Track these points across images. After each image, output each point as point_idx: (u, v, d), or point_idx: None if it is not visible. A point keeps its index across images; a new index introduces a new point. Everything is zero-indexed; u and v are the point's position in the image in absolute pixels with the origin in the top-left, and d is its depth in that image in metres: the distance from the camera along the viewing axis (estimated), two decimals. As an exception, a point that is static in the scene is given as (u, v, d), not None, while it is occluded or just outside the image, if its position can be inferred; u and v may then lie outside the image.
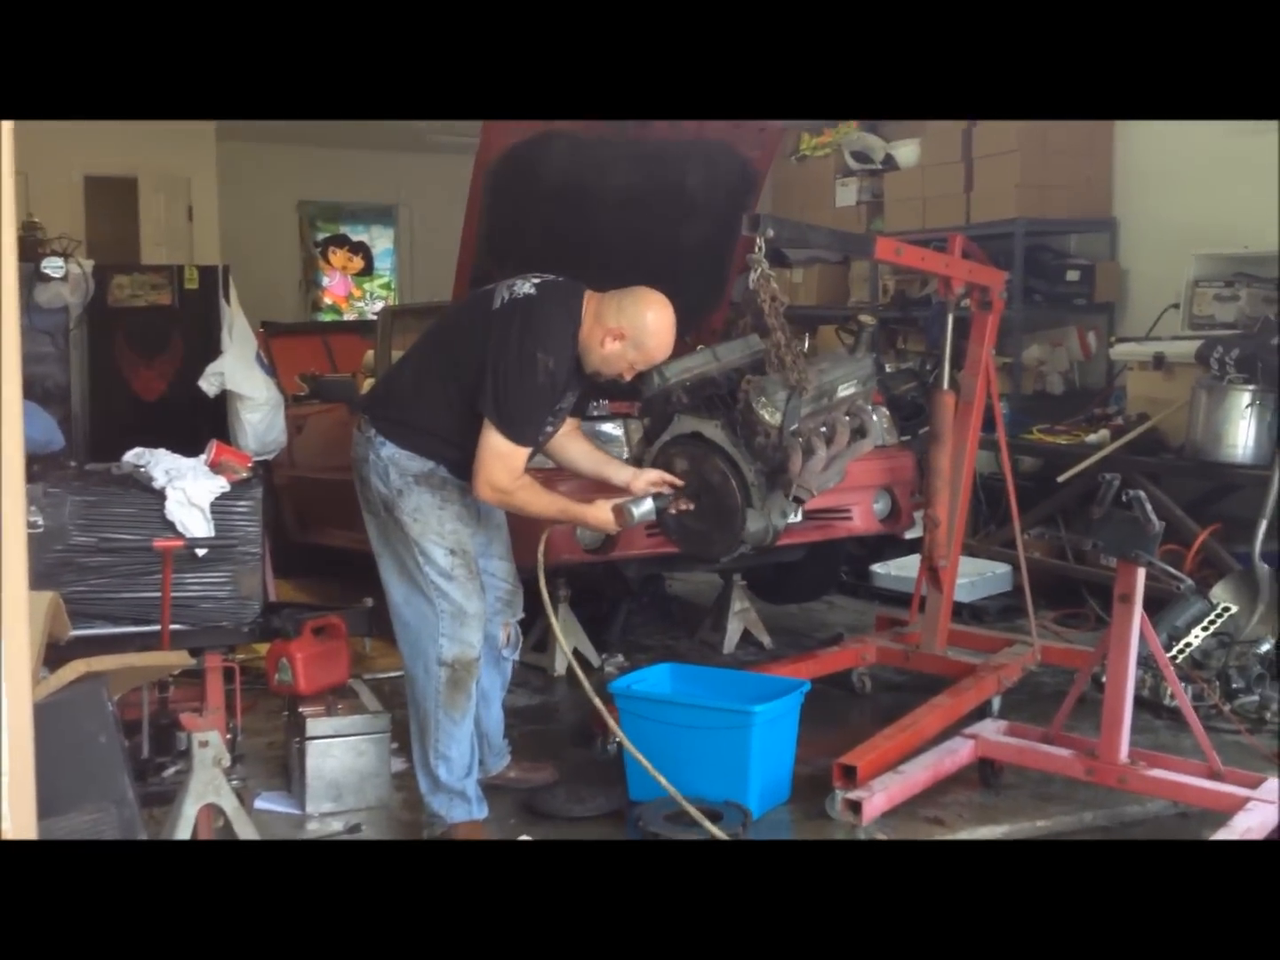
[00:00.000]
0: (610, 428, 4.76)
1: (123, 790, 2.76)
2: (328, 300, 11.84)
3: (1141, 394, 5.98)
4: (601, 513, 3.42)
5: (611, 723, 3.47)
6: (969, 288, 4.46)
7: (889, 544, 6.14)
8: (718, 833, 3.27)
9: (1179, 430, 5.62)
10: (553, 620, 3.54)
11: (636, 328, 3.30)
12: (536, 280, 3.38)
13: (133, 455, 3.70)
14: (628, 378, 3.44)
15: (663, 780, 3.32)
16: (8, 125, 2.16)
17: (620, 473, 3.55)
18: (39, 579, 2.49)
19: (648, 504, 3.45)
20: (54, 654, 2.99)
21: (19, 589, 2.31)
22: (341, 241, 11.79)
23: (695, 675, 4.05)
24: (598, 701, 3.42)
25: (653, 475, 3.50)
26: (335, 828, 3.57)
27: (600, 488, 3.62)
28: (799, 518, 4.79)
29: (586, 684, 3.41)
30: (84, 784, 2.72)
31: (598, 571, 5.09)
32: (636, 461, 3.75)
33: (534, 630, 4.95)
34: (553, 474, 3.92)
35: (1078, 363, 7.11)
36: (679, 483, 3.49)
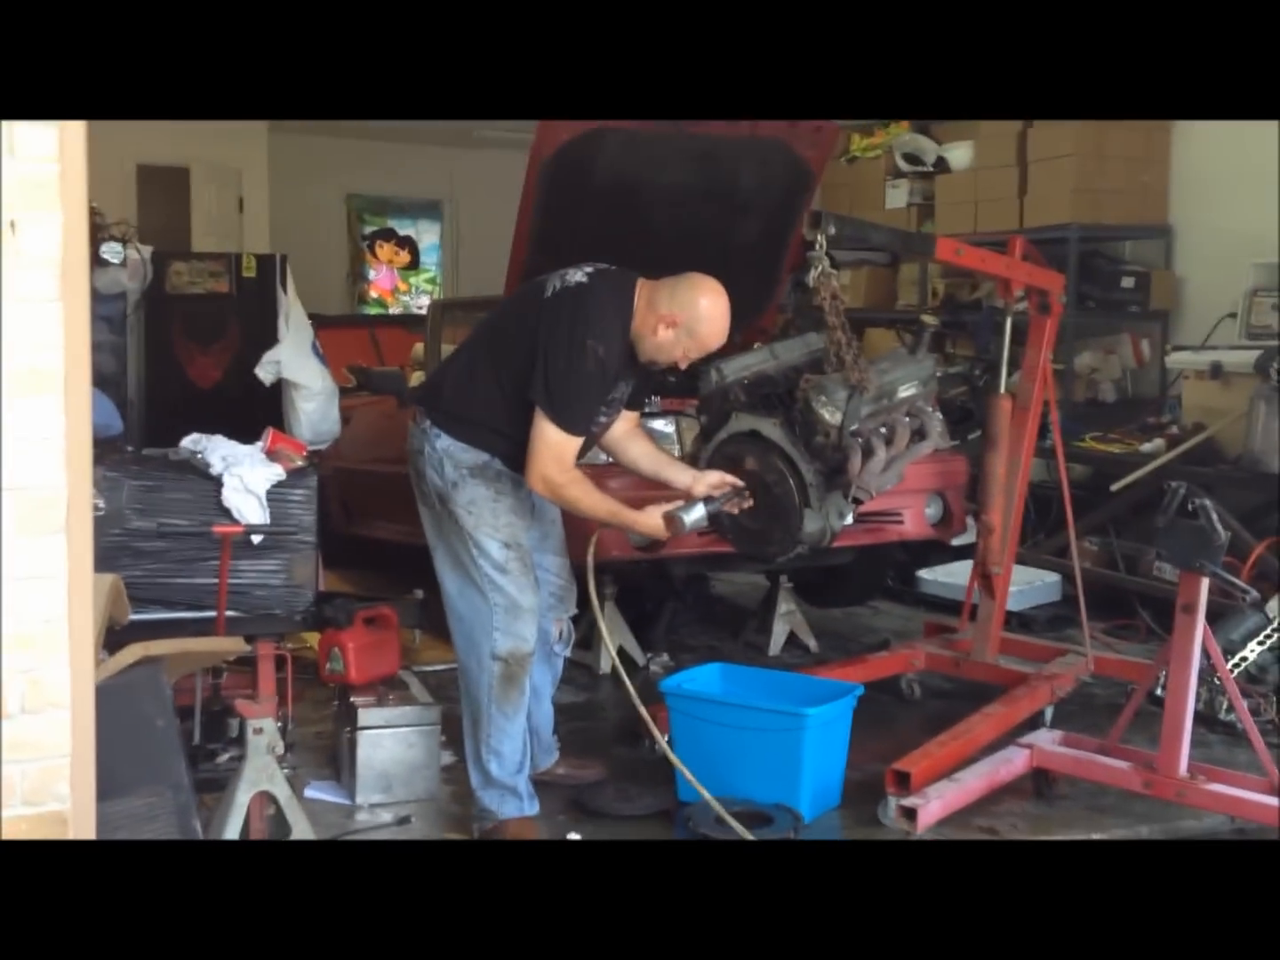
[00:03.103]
0: (662, 424, 4.75)
1: (179, 775, 2.77)
2: (374, 294, 11.87)
3: (1197, 403, 5.91)
4: (651, 519, 3.35)
5: (654, 729, 3.39)
6: (1028, 291, 4.41)
7: (934, 550, 6.09)
8: (749, 838, 3.22)
9: (1235, 441, 5.55)
10: (600, 618, 3.51)
11: (689, 314, 3.27)
12: (589, 269, 3.36)
13: (190, 441, 3.70)
14: (682, 366, 3.42)
15: (702, 790, 3.29)
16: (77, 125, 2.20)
17: (681, 475, 3.50)
18: (97, 563, 2.49)
19: (699, 510, 3.37)
20: (110, 638, 3.00)
21: (85, 572, 2.32)
22: (388, 235, 11.82)
23: (745, 676, 4.01)
24: (642, 708, 3.37)
25: (713, 478, 3.44)
26: (385, 819, 3.56)
27: (656, 485, 3.59)
28: (851, 520, 4.78)
29: (631, 688, 3.34)
30: (141, 767, 2.73)
31: (643, 570, 5.07)
32: (692, 460, 3.72)
33: (579, 627, 4.92)
34: (607, 470, 3.90)
35: (1130, 371, 7.03)
36: (740, 484, 3.44)
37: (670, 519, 3.35)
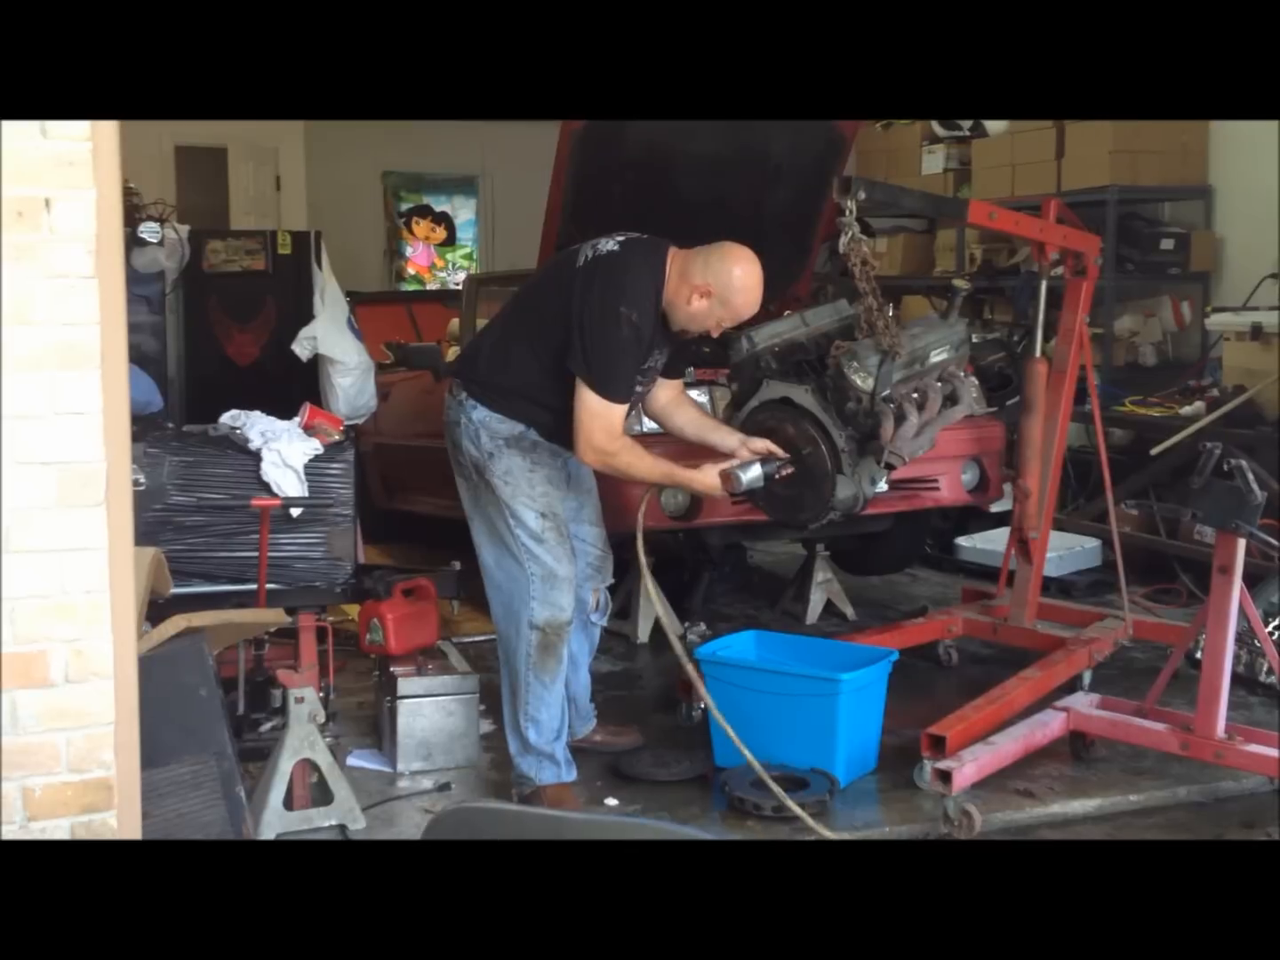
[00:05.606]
0: (695, 394, 4.73)
1: (222, 743, 2.82)
2: (411, 270, 11.91)
3: (1238, 365, 5.84)
4: (708, 477, 3.38)
5: (702, 689, 3.45)
6: (1063, 254, 4.38)
7: (973, 516, 6.07)
8: (795, 807, 3.24)
9: (1276, 402, 5.48)
10: (649, 585, 3.54)
11: (723, 284, 3.27)
12: (620, 238, 3.37)
13: (229, 417, 3.74)
14: (715, 335, 3.43)
15: (747, 753, 3.31)
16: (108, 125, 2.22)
17: (728, 439, 3.50)
18: (139, 537, 2.53)
19: (756, 470, 3.38)
20: (154, 610, 3.06)
21: (125, 545, 2.37)
22: (425, 212, 11.84)
23: (781, 643, 4.04)
24: (689, 667, 3.41)
25: (759, 444, 3.44)
26: (425, 785, 3.63)
27: (698, 453, 3.60)
28: (885, 487, 4.78)
29: (680, 648, 3.39)
30: (185, 736, 2.78)
31: (680, 540, 5.09)
32: None
33: (616, 597, 4.95)
34: (646, 439, 3.91)
35: (1171, 333, 6.97)
36: (782, 454, 3.44)
37: (728, 476, 3.37)
